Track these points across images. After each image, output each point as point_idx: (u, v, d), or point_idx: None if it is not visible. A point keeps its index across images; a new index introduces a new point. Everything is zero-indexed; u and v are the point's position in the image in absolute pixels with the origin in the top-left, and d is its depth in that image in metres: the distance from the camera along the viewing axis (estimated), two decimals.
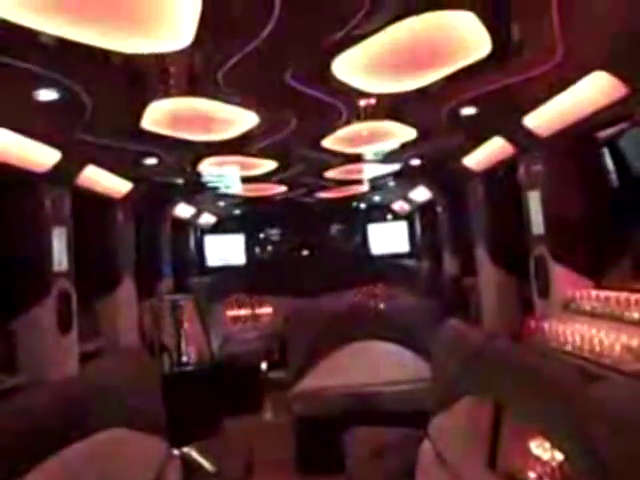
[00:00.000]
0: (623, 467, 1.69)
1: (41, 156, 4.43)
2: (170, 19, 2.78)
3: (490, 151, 5.78)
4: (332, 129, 5.03)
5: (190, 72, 3.51)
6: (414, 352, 5.84)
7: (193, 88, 3.80)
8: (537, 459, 2.55)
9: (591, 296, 4.55)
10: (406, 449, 3.59)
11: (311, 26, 2.98)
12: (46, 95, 3.49)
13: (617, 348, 3.77)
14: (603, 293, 4.43)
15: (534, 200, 5.17)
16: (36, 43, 2.81)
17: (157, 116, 4.24)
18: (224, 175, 6.98)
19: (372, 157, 6.39)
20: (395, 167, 7.11)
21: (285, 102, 4.20)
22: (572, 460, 2.10)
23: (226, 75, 3.46)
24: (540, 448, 2.54)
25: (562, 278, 4.91)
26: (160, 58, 3.18)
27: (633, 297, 4.04)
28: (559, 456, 2.40)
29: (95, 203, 6.05)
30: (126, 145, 5.00)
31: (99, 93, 3.60)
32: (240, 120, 4.56)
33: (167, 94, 3.86)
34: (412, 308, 7.12)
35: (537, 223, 5.16)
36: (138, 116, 4.17)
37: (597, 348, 3.96)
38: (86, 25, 2.75)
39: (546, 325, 4.75)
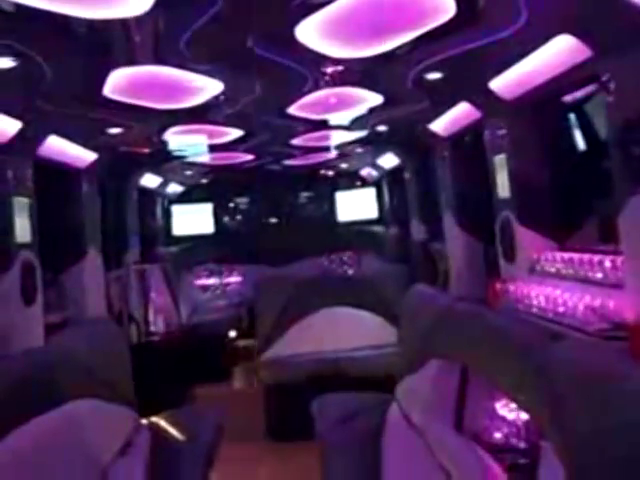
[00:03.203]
0: (587, 424, 1.71)
1: (0, 126, 4.34)
2: None
3: (456, 116, 5.77)
4: (298, 96, 4.99)
5: (152, 38, 3.44)
6: (382, 317, 5.89)
7: (156, 55, 3.73)
8: (503, 419, 2.59)
9: (556, 258, 4.59)
10: (375, 413, 3.62)
11: None
12: (3, 63, 3.39)
13: (580, 308, 3.82)
14: (567, 255, 4.48)
15: (500, 164, 5.19)
16: None
17: (120, 84, 4.16)
18: (190, 144, 6.91)
19: (339, 124, 6.36)
20: (362, 134, 7.08)
21: (249, 69, 4.13)
22: (537, 419, 2.12)
23: (189, 41, 3.39)
24: (505, 409, 2.58)
25: (527, 241, 4.95)
26: (121, 24, 3.11)
27: (596, 258, 4.09)
28: (524, 416, 2.43)
29: (59, 174, 5.96)
30: (89, 114, 4.90)
31: (59, 61, 3.51)
32: (205, 87, 4.50)
33: (130, 61, 3.79)
34: (380, 274, 7.15)
35: (503, 187, 5.18)
36: (100, 84, 4.09)
37: (561, 309, 4.01)
38: None
39: (512, 287, 4.80)
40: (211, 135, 6.44)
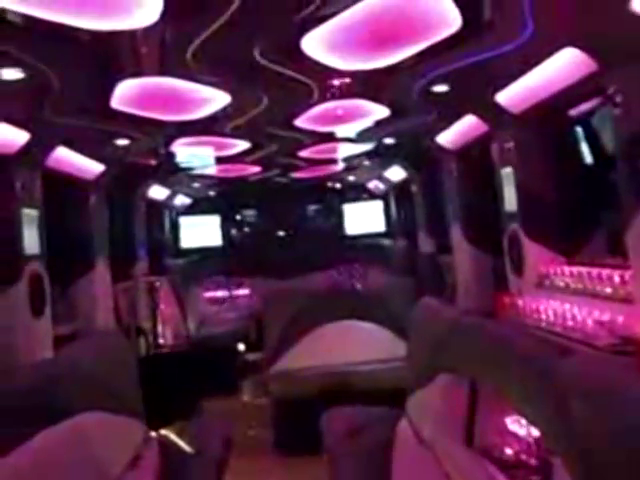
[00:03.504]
0: (597, 439, 1.68)
1: (8, 137, 4.35)
2: None
3: (463, 129, 5.76)
4: (304, 108, 4.98)
5: (159, 50, 3.44)
6: (391, 330, 5.86)
7: (163, 66, 3.73)
8: (513, 435, 2.55)
9: (564, 272, 4.56)
10: (384, 427, 3.59)
11: (279, 2, 2.94)
12: (11, 74, 3.39)
13: (589, 323, 3.79)
14: (576, 269, 4.44)
15: (507, 177, 5.16)
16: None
17: (128, 95, 4.16)
18: (197, 156, 6.92)
19: (345, 136, 6.36)
20: (369, 146, 7.07)
21: (255, 80, 4.12)
22: (548, 435, 2.09)
23: (195, 53, 3.39)
24: (516, 424, 2.55)
25: (535, 255, 4.91)
26: (129, 36, 3.11)
27: (605, 272, 4.06)
28: (535, 432, 2.40)
29: (68, 185, 5.97)
30: (96, 125, 4.91)
31: (67, 72, 3.51)
32: (211, 99, 4.49)
33: (137, 73, 3.79)
34: (388, 287, 7.14)
35: (510, 200, 5.15)
36: (108, 95, 4.09)
37: (570, 323, 3.98)
38: (52, 2, 2.68)
39: (520, 301, 4.77)
40: (218, 147, 6.44)
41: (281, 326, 6.07)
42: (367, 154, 7.62)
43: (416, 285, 6.98)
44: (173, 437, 3.90)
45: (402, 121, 5.71)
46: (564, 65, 3.76)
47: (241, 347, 8.58)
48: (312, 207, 11.76)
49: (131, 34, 3.08)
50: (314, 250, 10.80)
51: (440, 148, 6.47)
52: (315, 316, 6.06)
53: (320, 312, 6.11)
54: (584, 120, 5.06)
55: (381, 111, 5.26)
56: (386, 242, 10.66)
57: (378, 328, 5.98)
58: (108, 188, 6.70)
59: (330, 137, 6.28)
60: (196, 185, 9.44)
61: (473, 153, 6.18)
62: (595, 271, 4.17)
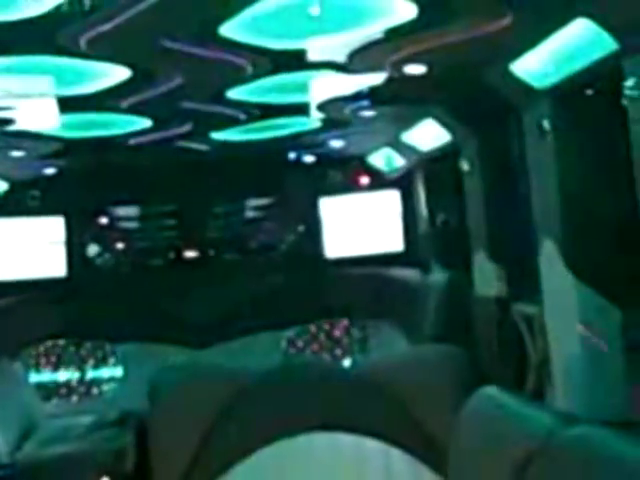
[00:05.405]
0: None
1: None
2: None
3: (570, 45, 5.79)
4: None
5: None
6: (413, 454, 5.89)
7: None
8: None
9: None
10: None
11: None
12: None
13: None
14: None
15: None
16: None
17: None
18: (22, 94, 6.92)
19: (326, 59, 6.38)
20: (374, 79, 7.11)
21: None
22: None
23: None
24: None
25: None
26: None
27: None
28: None
29: None
30: None
31: None
32: None
33: None
34: (409, 366, 7.17)
35: None
36: None
37: None
38: None
39: None
40: (64, 77, 6.43)
41: (188, 445, 6.08)
42: (370, 96, 7.66)
43: (468, 362, 7.03)
44: None
45: (443, 30, 5.72)
46: None
47: None
48: (257, 202, 11.80)
49: None
50: (257, 290, 10.83)
51: (521, 85, 6.51)
52: (258, 424, 6.08)
53: (268, 416, 6.14)
54: None
55: (400, 8, 5.28)
56: (407, 275, 10.72)
57: (385, 449, 6.01)
58: None
59: (294, 60, 6.30)
60: (17, 154, 9.43)
61: (588, 95, 6.23)
62: None
